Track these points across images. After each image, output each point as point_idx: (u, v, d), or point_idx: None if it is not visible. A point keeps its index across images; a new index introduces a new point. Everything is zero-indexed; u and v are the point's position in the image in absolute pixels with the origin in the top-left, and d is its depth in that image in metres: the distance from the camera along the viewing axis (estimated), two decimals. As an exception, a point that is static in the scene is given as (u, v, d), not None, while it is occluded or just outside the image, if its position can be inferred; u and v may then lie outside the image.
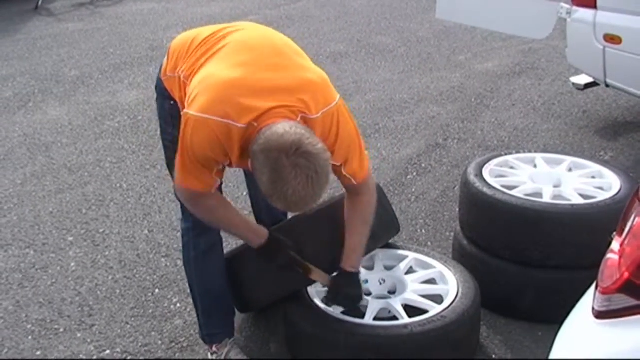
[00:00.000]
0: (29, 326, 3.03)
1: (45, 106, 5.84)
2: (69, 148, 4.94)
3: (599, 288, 1.51)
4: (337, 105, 2.27)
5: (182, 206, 2.58)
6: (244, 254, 2.67)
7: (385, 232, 2.82)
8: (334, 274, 2.57)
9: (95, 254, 3.58)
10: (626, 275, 1.40)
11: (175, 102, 2.47)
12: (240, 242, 2.72)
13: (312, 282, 2.61)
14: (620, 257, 1.46)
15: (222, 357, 2.68)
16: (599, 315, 1.48)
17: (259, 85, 2.16)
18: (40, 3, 10.08)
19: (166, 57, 2.54)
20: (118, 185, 4.36)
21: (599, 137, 4.95)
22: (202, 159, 2.19)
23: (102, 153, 4.85)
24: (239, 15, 8.53)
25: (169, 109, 2.51)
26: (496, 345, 2.85)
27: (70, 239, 3.73)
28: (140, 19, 9.29)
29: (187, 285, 2.79)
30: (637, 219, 1.50)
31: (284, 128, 2.02)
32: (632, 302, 1.39)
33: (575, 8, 4.63)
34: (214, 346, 2.71)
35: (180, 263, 3.43)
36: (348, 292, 2.54)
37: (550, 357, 1.62)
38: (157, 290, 3.26)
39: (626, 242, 1.49)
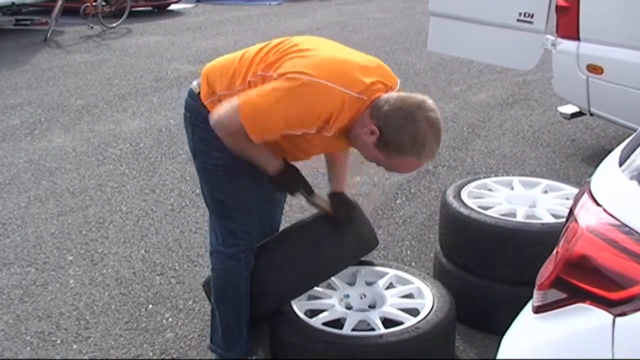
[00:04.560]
0: (28, 338, 3.18)
1: (51, 134, 6.04)
2: (72, 173, 5.13)
3: (536, 286, 1.67)
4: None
5: (227, 230, 2.70)
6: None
7: (365, 245, 2.96)
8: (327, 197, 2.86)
9: (93, 272, 3.73)
10: (556, 272, 1.57)
11: None
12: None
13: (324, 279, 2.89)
14: (555, 257, 1.63)
15: None
16: (537, 310, 1.64)
17: (357, 63, 2.41)
18: (49, 35, 10.39)
19: (204, 83, 2.60)
20: (118, 208, 4.53)
21: (585, 164, 5.11)
22: (298, 120, 2.31)
23: (103, 178, 5.03)
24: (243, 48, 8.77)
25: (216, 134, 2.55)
26: (471, 358, 2.98)
27: (70, 258, 3.89)
28: (146, 51, 9.56)
29: (216, 308, 2.84)
30: (569, 224, 1.66)
31: (404, 92, 2.39)
32: (562, 295, 1.56)
33: (559, 40, 4.82)
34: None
35: (174, 281, 3.61)
36: (349, 206, 2.84)
37: (498, 354, 1.78)
38: (150, 306, 3.41)
39: (560, 244, 1.65)
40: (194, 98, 2.64)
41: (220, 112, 2.38)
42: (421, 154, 2.33)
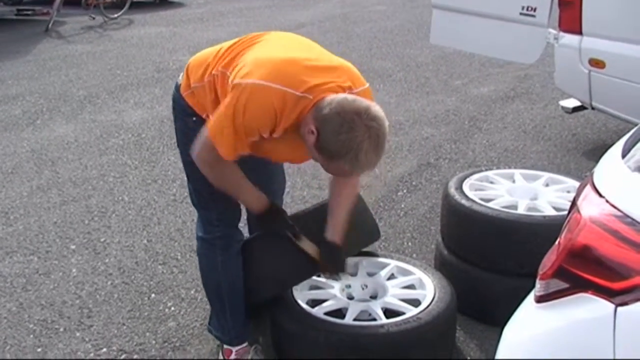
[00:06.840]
0: (30, 326, 3.20)
1: (53, 124, 6.05)
2: (74, 163, 5.14)
3: (538, 276, 1.69)
4: (369, 88, 2.48)
5: (205, 218, 2.79)
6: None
7: (367, 237, 2.99)
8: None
9: (95, 261, 3.75)
10: (559, 262, 1.58)
11: (197, 117, 2.59)
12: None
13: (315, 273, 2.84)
14: (557, 247, 1.64)
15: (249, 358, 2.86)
16: (539, 299, 1.66)
17: (308, 63, 2.36)
18: (50, 25, 10.38)
19: (185, 75, 2.67)
20: (120, 198, 4.54)
21: (586, 158, 5.12)
22: (248, 126, 2.29)
23: (105, 168, 5.04)
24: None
25: (193, 125, 2.58)
26: (471, 349, 3.00)
27: (73, 247, 3.91)
28: (148, 42, 9.56)
29: (205, 292, 2.92)
30: (572, 215, 1.68)
31: (352, 96, 2.27)
32: (564, 285, 1.57)
33: (562, 34, 4.82)
34: (235, 351, 2.85)
35: (176, 270, 3.63)
36: (337, 262, 2.76)
37: (500, 343, 1.80)
38: (153, 295, 3.43)
39: (562, 235, 1.67)
40: (177, 89, 2.71)
41: (195, 147, 2.46)
42: (355, 163, 2.22)
